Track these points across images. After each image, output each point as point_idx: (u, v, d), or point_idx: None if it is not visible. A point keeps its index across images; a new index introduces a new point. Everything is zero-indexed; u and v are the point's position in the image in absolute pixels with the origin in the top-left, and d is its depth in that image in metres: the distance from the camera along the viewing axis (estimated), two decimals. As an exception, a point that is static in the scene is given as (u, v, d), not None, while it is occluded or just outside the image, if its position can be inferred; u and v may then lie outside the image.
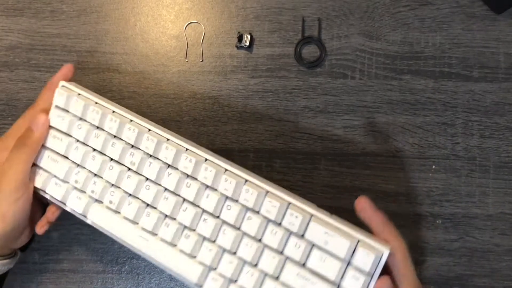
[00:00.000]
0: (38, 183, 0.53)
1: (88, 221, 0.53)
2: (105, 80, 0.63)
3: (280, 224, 0.47)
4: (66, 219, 0.61)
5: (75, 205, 0.52)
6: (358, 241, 0.45)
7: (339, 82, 0.62)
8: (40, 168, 0.54)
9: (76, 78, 0.63)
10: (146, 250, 0.50)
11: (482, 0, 0.62)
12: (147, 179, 0.51)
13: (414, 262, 0.60)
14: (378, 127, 0.62)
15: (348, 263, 0.45)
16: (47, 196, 0.54)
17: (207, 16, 0.64)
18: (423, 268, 0.60)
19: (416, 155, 0.61)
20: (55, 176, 0.53)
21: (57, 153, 0.54)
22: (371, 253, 0.44)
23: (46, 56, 0.63)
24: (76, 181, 0.52)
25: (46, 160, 0.53)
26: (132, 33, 0.64)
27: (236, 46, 0.63)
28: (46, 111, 0.54)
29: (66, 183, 0.53)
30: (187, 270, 0.48)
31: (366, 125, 0.62)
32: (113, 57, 0.63)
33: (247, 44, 0.62)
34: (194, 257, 0.49)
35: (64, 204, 0.53)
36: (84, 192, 0.53)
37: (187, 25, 0.64)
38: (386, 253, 0.45)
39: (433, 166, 0.61)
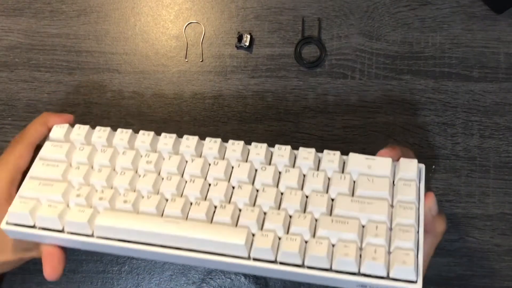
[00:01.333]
0: (17, 215, 0.46)
1: (93, 240, 0.45)
2: (105, 80, 0.63)
3: (318, 169, 0.47)
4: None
5: (77, 217, 0.45)
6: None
7: (339, 82, 0.62)
8: (23, 197, 0.47)
9: (76, 78, 0.63)
10: (178, 232, 0.43)
11: (482, 0, 0.62)
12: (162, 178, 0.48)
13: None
14: (378, 127, 0.62)
15: (394, 180, 0.46)
16: (37, 227, 0.46)
17: (207, 16, 0.64)
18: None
19: (416, 155, 0.61)
20: (47, 199, 0.47)
21: (51, 179, 0.48)
22: (413, 160, 0.45)
23: (46, 56, 0.63)
24: (78, 195, 0.46)
25: (33, 186, 0.47)
26: (132, 33, 0.64)
27: (236, 46, 0.63)
28: (32, 146, 0.50)
29: (62, 203, 0.46)
30: (230, 235, 0.43)
31: (366, 125, 0.62)
32: (113, 57, 0.63)
33: (247, 44, 0.62)
34: (235, 224, 0.44)
35: (60, 231, 0.46)
36: (87, 205, 0.46)
37: (187, 25, 0.64)
38: (422, 168, 0.46)
39: (433, 166, 0.61)
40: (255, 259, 0.43)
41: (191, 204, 0.46)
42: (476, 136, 0.61)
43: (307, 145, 0.61)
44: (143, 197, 0.46)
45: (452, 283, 0.60)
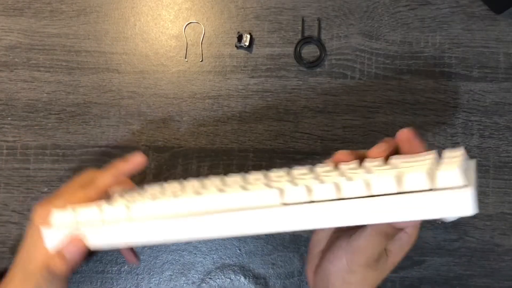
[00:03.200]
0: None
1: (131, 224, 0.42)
2: (105, 80, 0.63)
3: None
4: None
5: (115, 208, 0.43)
6: None
7: (339, 82, 0.62)
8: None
9: (76, 78, 0.63)
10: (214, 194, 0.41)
11: (482, 0, 0.62)
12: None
13: (414, 262, 0.60)
14: (378, 127, 0.61)
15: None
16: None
17: (207, 16, 0.64)
18: (423, 268, 0.60)
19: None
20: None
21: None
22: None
23: (45, 56, 0.63)
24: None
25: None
26: (132, 33, 0.64)
27: (236, 46, 0.63)
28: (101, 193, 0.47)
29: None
30: (262, 188, 0.40)
31: (366, 125, 0.61)
32: (113, 57, 0.63)
33: (247, 44, 0.62)
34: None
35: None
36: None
37: (187, 25, 0.64)
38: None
39: (433, 166, 0.61)
40: (286, 204, 0.38)
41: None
42: (476, 136, 0.61)
43: (307, 145, 0.61)
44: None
45: (452, 283, 0.60)
